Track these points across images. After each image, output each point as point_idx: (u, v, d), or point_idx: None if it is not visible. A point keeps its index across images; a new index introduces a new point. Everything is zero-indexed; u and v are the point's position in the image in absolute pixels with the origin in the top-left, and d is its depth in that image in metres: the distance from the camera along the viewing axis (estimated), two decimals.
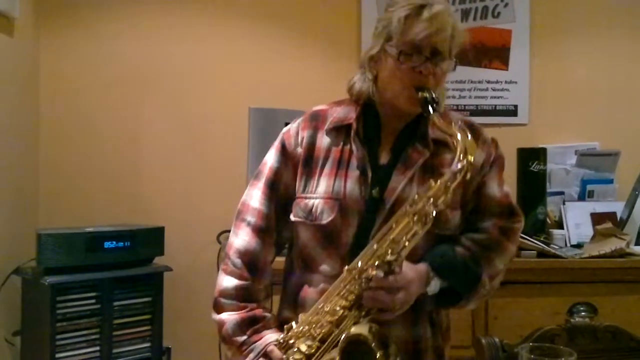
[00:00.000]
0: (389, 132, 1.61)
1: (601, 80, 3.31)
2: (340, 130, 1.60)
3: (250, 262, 1.60)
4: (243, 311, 1.57)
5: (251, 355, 1.52)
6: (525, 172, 2.85)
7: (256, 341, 1.54)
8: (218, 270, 1.67)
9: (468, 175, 1.39)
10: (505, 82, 3.28)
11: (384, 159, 1.59)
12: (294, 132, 1.66)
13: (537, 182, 2.86)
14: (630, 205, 2.88)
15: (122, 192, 3.17)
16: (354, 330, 1.39)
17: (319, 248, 1.57)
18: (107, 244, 2.67)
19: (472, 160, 1.39)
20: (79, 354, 2.56)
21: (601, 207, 2.97)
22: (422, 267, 1.51)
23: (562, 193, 3.08)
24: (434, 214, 1.39)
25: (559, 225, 2.97)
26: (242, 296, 1.58)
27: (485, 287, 1.59)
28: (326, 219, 1.54)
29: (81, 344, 2.57)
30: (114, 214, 3.06)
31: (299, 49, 3.29)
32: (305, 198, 1.58)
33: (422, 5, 1.48)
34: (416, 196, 1.41)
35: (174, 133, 3.22)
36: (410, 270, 1.46)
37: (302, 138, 1.63)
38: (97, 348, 2.60)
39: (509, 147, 2.79)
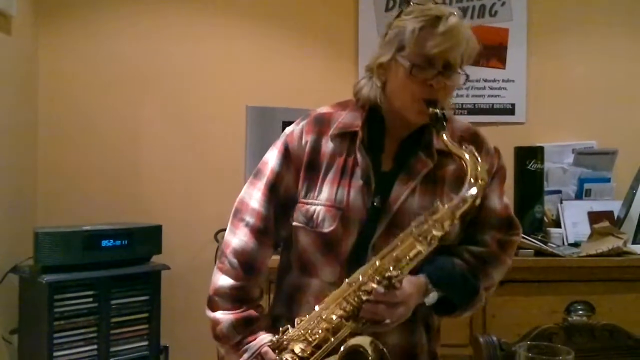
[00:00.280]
0: (393, 139, 1.59)
1: (598, 79, 3.31)
2: (345, 137, 1.58)
3: (247, 263, 1.59)
4: (238, 311, 1.56)
5: (245, 356, 1.52)
6: (522, 170, 2.85)
7: (250, 342, 1.54)
8: None
9: (477, 202, 1.39)
10: (503, 80, 3.29)
11: (386, 166, 1.58)
12: (297, 134, 1.62)
13: (535, 181, 2.86)
14: (628, 204, 2.88)
15: (120, 191, 3.17)
16: (355, 341, 1.39)
17: (319, 254, 1.56)
18: (104, 243, 2.67)
19: (482, 190, 1.38)
20: (77, 352, 2.56)
21: (598, 205, 2.97)
22: (421, 279, 1.51)
23: (559, 192, 3.08)
24: (440, 236, 1.39)
25: (557, 224, 2.97)
26: (237, 296, 1.58)
27: (481, 299, 1.62)
28: (327, 227, 1.53)
29: (79, 342, 2.57)
30: (112, 213, 3.06)
31: (297, 48, 3.29)
32: (307, 204, 1.57)
33: (437, 17, 1.45)
34: (422, 218, 1.40)
35: (172, 132, 3.22)
36: (409, 285, 1.46)
37: (306, 142, 1.60)
38: (95, 346, 2.61)
39: (507, 146, 2.79)
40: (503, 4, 3.27)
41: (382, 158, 1.58)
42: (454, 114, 1.65)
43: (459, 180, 1.51)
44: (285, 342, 1.49)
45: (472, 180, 1.37)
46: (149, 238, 2.83)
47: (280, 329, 1.51)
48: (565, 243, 2.84)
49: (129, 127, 3.20)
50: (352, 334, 1.43)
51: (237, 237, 1.60)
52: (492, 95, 3.28)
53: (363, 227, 1.53)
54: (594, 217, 2.90)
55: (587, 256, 2.63)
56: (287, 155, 1.62)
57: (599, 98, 3.30)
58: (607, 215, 2.91)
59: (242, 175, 2.67)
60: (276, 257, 1.73)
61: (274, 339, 1.51)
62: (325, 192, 1.55)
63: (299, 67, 3.27)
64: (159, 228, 2.87)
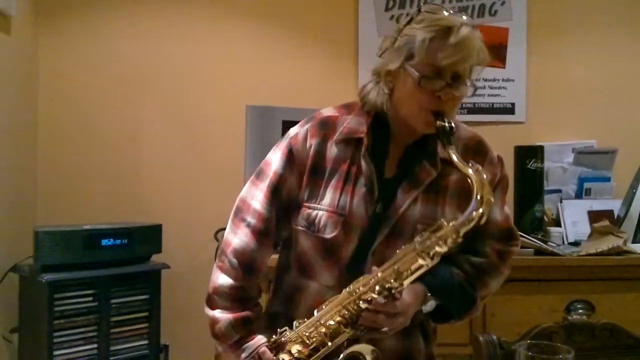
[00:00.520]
0: (397, 146, 1.59)
1: (598, 78, 3.31)
2: (349, 142, 1.56)
3: (247, 263, 1.58)
4: (237, 311, 1.56)
5: (243, 355, 1.53)
6: (522, 170, 2.85)
7: (249, 341, 1.54)
8: None
9: (482, 222, 1.38)
10: (503, 80, 3.29)
11: (389, 172, 1.58)
12: (302, 137, 1.60)
13: (535, 180, 2.86)
14: (628, 203, 2.88)
15: (120, 190, 3.17)
16: (356, 348, 1.40)
17: (319, 258, 1.57)
18: (104, 242, 2.67)
19: (488, 210, 1.38)
20: (77, 352, 2.57)
21: (598, 205, 2.98)
22: (420, 288, 1.52)
23: (559, 191, 3.09)
24: (443, 253, 1.39)
25: (557, 223, 2.97)
26: (236, 295, 1.58)
27: (478, 309, 1.64)
28: (329, 233, 1.53)
29: (79, 341, 2.57)
30: (112, 213, 3.06)
31: (296, 47, 3.29)
32: (309, 208, 1.56)
33: (448, 28, 1.42)
34: (426, 234, 1.40)
35: (172, 131, 3.22)
36: (408, 295, 1.47)
37: (311, 145, 1.58)
38: (95, 345, 2.61)
39: (506, 145, 2.81)
40: (503, 3, 3.27)
41: (385, 164, 1.58)
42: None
43: (461, 191, 1.54)
44: (282, 343, 1.49)
45: (479, 198, 1.37)
46: (149, 237, 2.83)
47: (278, 330, 1.51)
48: (565, 242, 2.85)
49: (129, 127, 3.20)
50: (350, 340, 1.44)
51: (238, 237, 1.60)
52: (492, 95, 3.28)
53: (364, 234, 1.53)
54: (594, 216, 2.90)
55: (587, 255, 2.64)
56: (290, 157, 1.60)
57: (599, 97, 3.30)
58: (607, 214, 2.91)
59: (242, 174, 2.67)
60: (275, 256, 1.73)
61: (272, 339, 1.52)
62: (328, 197, 1.55)
63: (299, 66, 3.27)
64: (159, 227, 2.87)
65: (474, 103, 3.27)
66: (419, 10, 1.49)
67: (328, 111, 1.64)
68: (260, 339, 1.53)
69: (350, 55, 3.26)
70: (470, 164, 1.40)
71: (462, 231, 1.38)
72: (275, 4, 3.27)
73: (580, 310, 1.91)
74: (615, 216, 2.92)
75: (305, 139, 1.60)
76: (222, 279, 1.59)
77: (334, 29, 3.28)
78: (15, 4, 2.78)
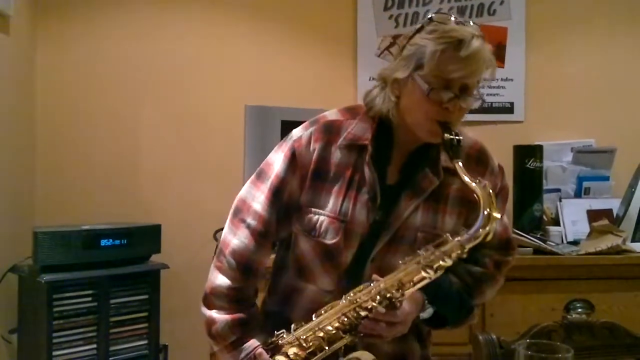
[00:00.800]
0: (400, 152, 1.58)
1: (597, 78, 3.32)
2: (353, 148, 1.55)
3: (246, 265, 1.58)
4: (234, 312, 1.56)
5: (240, 356, 1.52)
6: (521, 169, 2.85)
7: (245, 342, 1.53)
8: None
9: (488, 238, 1.39)
10: (501, 79, 3.28)
11: (392, 179, 1.57)
12: (305, 140, 1.58)
13: (534, 180, 2.87)
14: (627, 202, 2.89)
15: (119, 191, 3.17)
16: (356, 355, 1.41)
17: (317, 261, 1.56)
18: (103, 242, 2.66)
19: (494, 228, 1.38)
20: (76, 352, 2.56)
21: (597, 204, 2.98)
22: (419, 296, 1.52)
23: (558, 190, 3.09)
24: (447, 267, 1.40)
25: (556, 222, 2.97)
26: (234, 296, 1.57)
27: (474, 317, 1.66)
28: (330, 239, 1.53)
29: (78, 341, 2.57)
30: (111, 213, 3.05)
31: (295, 47, 3.29)
32: (311, 212, 1.56)
33: (460, 41, 1.41)
34: (430, 248, 1.41)
35: (171, 131, 3.21)
36: (408, 303, 1.47)
37: (314, 149, 1.56)
38: (94, 346, 2.60)
39: (505, 145, 2.81)
40: (502, 2, 3.27)
41: (387, 170, 1.57)
42: None
43: (462, 199, 1.56)
44: (279, 345, 1.49)
45: (486, 215, 1.37)
46: (148, 237, 2.82)
47: (276, 332, 1.51)
48: (565, 241, 2.85)
49: (128, 127, 3.20)
50: (348, 346, 1.44)
51: (238, 238, 1.58)
52: (490, 94, 3.27)
53: (364, 240, 1.53)
54: (593, 215, 2.91)
55: (586, 254, 2.64)
56: (293, 160, 1.58)
57: (598, 96, 3.30)
58: (606, 213, 2.91)
59: (241, 174, 2.67)
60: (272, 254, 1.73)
61: (269, 341, 1.51)
62: (331, 203, 1.54)
63: (297, 66, 3.27)
64: (158, 227, 2.86)
65: None
66: (430, 20, 1.47)
67: (332, 115, 1.62)
68: (256, 341, 1.53)
69: (349, 54, 3.26)
70: (477, 180, 1.40)
71: (467, 247, 1.39)
72: (274, 3, 3.27)
73: (580, 309, 1.91)
74: (614, 215, 2.92)
75: (309, 142, 1.57)
76: (220, 280, 1.58)
77: (332, 28, 3.28)
78: (14, 3, 2.78)
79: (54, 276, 2.51)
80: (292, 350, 1.45)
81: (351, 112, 1.62)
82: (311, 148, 1.57)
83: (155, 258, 2.86)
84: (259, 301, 1.67)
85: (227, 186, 2.41)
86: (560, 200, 3.02)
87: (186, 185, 3.21)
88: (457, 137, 1.43)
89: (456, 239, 1.39)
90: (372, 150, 1.54)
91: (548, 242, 2.72)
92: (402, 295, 1.41)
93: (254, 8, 3.26)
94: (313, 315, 1.47)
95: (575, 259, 2.63)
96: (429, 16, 1.49)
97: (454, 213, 1.56)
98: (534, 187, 2.87)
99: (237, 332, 1.54)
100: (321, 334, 1.44)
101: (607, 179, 3.10)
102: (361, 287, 1.44)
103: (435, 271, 1.39)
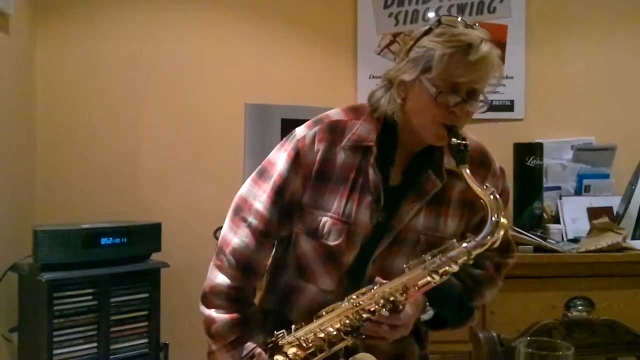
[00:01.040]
0: (404, 153, 1.57)
1: (597, 75, 3.31)
2: (357, 149, 1.54)
3: (246, 264, 1.57)
4: (233, 311, 1.55)
5: (238, 356, 1.52)
6: (521, 167, 2.85)
7: (244, 342, 1.53)
8: None
9: (495, 245, 1.38)
10: (501, 77, 3.27)
11: (395, 180, 1.56)
12: (309, 140, 1.56)
13: (534, 177, 2.87)
14: (627, 200, 2.89)
15: (119, 189, 3.17)
16: (359, 357, 1.41)
17: (319, 262, 1.56)
18: (103, 241, 2.66)
19: (501, 236, 1.37)
20: (77, 350, 2.56)
21: (597, 201, 2.98)
22: (420, 298, 1.51)
23: (558, 188, 3.09)
24: (453, 272, 1.40)
25: (556, 220, 2.97)
26: (233, 295, 1.56)
27: (474, 319, 1.66)
28: (333, 240, 1.52)
29: (78, 340, 2.57)
30: (111, 211, 3.06)
31: (295, 45, 3.29)
32: (313, 213, 1.55)
33: (469, 45, 1.41)
34: (437, 254, 1.40)
35: (171, 129, 3.22)
36: (410, 306, 1.46)
37: (318, 150, 1.55)
38: (95, 344, 2.61)
39: (506, 142, 2.81)
40: (502, 0, 3.26)
41: (391, 171, 1.56)
42: None
43: (465, 201, 1.56)
44: (278, 345, 1.48)
45: (494, 221, 1.35)
46: (148, 236, 2.82)
47: (275, 332, 1.50)
48: (565, 239, 2.85)
49: (128, 125, 3.20)
50: (348, 348, 1.44)
51: (238, 237, 1.58)
52: (490, 92, 3.26)
53: (366, 242, 1.53)
54: (593, 213, 2.91)
55: (586, 252, 2.64)
56: (297, 160, 1.56)
57: (598, 94, 3.30)
58: (606, 211, 2.91)
59: (241, 172, 2.67)
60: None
61: (268, 340, 1.51)
62: (334, 204, 1.53)
63: (297, 64, 3.27)
64: (158, 226, 2.86)
65: None
66: (439, 22, 1.47)
67: (336, 114, 1.61)
68: (256, 340, 1.53)
69: (349, 52, 3.26)
70: (485, 187, 1.38)
71: (474, 253, 1.37)
72: (274, 3, 3.27)
73: (580, 307, 1.92)
74: (615, 213, 2.92)
75: (313, 142, 1.56)
76: (220, 278, 1.57)
77: (332, 26, 3.28)
78: (14, 3, 2.78)
79: (54, 275, 2.51)
80: (291, 351, 1.45)
81: (355, 112, 1.60)
82: (315, 148, 1.55)
83: (155, 256, 2.86)
84: (256, 300, 1.66)
85: (227, 185, 2.40)
86: (560, 198, 3.02)
87: (186, 183, 3.21)
88: (464, 142, 1.41)
89: (463, 245, 1.37)
90: (376, 151, 1.53)
91: (548, 240, 2.72)
92: (406, 299, 1.40)
93: (254, 8, 3.26)
94: (314, 317, 1.47)
95: (576, 257, 2.63)
96: (437, 18, 1.49)
97: (456, 216, 1.56)
98: (534, 184, 2.87)
99: (236, 331, 1.53)
100: (322, 335, 1.43)
101: (607, 176, 3.10)
102: (363, 289, 1.43)
103: (441, 276, 1.38)
